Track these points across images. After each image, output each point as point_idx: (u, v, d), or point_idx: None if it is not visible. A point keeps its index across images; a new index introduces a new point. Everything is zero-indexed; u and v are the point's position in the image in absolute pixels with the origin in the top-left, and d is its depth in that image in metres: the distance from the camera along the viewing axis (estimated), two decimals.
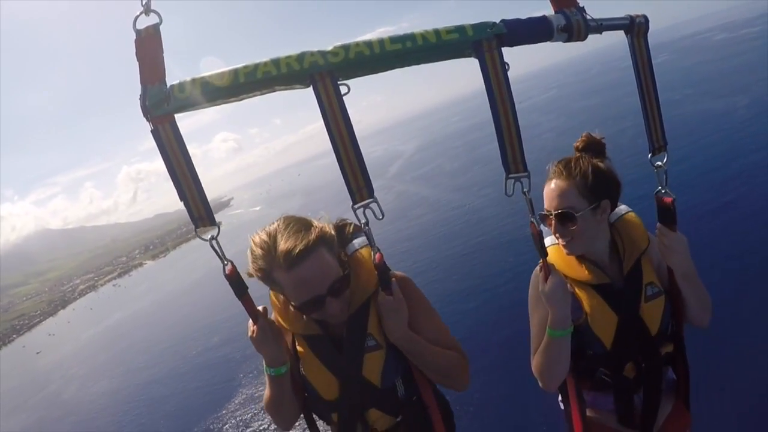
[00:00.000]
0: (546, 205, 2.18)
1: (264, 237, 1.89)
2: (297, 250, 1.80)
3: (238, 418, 11.54)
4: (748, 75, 24.47)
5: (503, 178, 1.76)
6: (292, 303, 1.89)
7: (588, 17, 1.78)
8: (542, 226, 2.20)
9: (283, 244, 1.82)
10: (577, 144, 2.28)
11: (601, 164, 2.17)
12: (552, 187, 2.16)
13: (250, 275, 1.95)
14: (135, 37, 1.51)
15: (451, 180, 28.12)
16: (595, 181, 2.12)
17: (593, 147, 2.25)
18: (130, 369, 20.47)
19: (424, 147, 58.19)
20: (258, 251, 1.87)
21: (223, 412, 12.00)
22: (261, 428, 10.68)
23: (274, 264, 1.83)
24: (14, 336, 57.99)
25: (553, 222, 2.15)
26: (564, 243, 2.16)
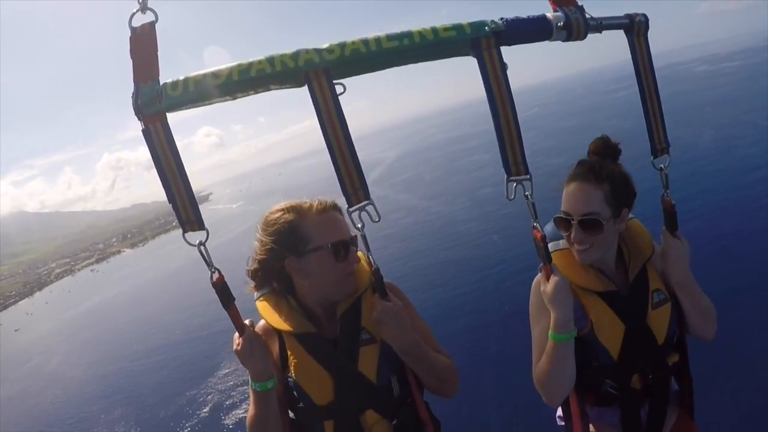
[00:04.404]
0: (567, 209, 2.06)
1: (290, 202, 2.00)
2: (330, 201, 2.01)
3: (223, 386, 12.19)
4: (720, 108, 25.93)
5: (504, 180, 1.76)
6: (323, 245, 1.92)
7: (587, 16, 1.77)
8: (545, 230, 2.13)
9: (315, 201, 2.00)
10: (593, 147, 2.18)
11: (624, 171, 2.11)
12: (578, 189, 2.04)
13: (254, 270, 2.04)
14: (130, 35, 1.52)
15: (430, 188, 29.08)
16: (621, 189, 2.05)
17: (610, 152, 2.15)
18: (114, 346, 20.62)
19: (405, 155, 58.88)
20: (284, 210, 1.97)
21: (208, 382, 12.62)
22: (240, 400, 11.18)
23: (305, 214, 1.94)
24: None
25: (574, 227, 2.03)
26: (581, 249, 2.05)
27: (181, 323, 19.21)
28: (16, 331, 37.20)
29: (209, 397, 11.99)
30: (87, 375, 18.08)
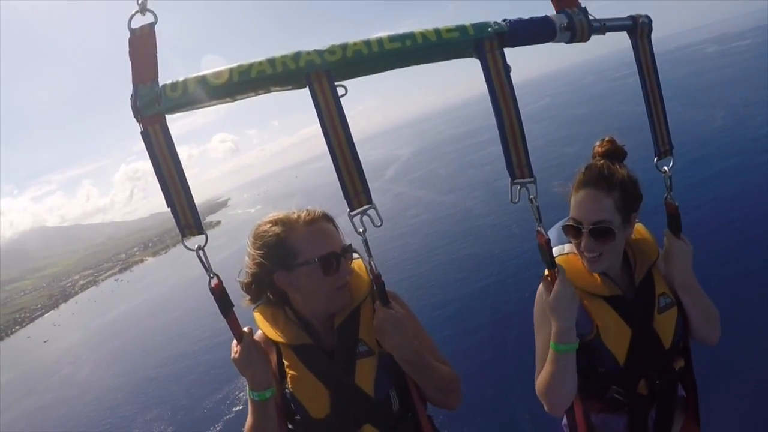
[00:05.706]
0: (577, 216, 2.01)
1: (278, 214, 1.95)
2: (319, 212, 1.95)
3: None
4: (731, 87, 25.57)
5: (508, 183, 1.70)
6: (311, 259, 1.86)
7: (591, 17, 1.74)
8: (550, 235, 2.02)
9: (303, 211, 1.94)
10: (599, 149, 2.12)
11: (632, 174, 2.04)
12: (588, 197, 1.98)
13: (247, 284, 1.97)
14: (129, 36, 1.50)
15: (446, 183, 29.25)
16: (631, 195, 1.99)
17: (616, 155, 2.09)
18: (142, 353, 21.01)
19: (419, 152, 59.08)
20: (272, 223, 1.92)
21: (238, 382, 12.65)
22: None
23: (293, 226, 1.89)
24: (17, 327, 57.50)
25: (584, 235, 1.98)
26: (592, 258, 2.00)
27: (207, 327, 19.26)
28: (44, 342, 37.82)
29: (242, 394, 12.19)
30: (117, 382, 18.40)
